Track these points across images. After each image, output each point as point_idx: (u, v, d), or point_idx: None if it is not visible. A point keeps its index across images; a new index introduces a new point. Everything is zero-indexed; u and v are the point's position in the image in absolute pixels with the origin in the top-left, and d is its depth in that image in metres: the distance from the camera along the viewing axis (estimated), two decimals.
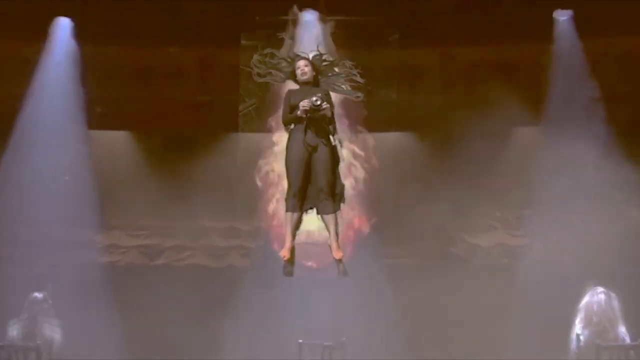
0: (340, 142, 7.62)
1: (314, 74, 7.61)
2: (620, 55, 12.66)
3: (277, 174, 12.49)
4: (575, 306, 10.86)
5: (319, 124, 7.43)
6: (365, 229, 12.89)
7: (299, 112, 7.39)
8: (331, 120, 7.57)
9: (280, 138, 12.00)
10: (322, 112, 7.39)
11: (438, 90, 13.15)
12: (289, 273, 7.49)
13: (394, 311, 12.29)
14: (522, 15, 12.51)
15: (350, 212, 12.53)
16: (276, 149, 12.54)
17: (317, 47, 8.02)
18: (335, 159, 7.54)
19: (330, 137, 7.49)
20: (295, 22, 12.18)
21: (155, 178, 12.96)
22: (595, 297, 10.30)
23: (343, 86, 7.68)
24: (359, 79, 7.64)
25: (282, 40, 8.19)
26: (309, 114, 7.36)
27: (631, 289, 11.17)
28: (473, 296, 12.22)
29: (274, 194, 12.67)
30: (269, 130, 12.79)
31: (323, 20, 12.37)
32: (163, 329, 12.23)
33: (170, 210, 12.89)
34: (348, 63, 7.75)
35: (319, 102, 7.35)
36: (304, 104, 7.35)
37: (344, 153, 8.78)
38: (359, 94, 7.67)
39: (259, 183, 12.84)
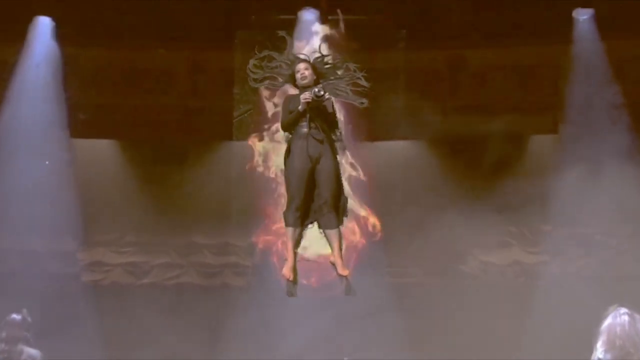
0: (341, 135, 7.62)
1: (315, 77, 7.61)
2: None
3: (275, 184, 12.45)
4: (597, 328, 10.77)
5: (322, 119, 7.43)
6: (369, 245, 12.83)
7: (300, 107, 7.39)
8: (333, 122, 7.56)
9: (280, 145, 11.95)
10: (324, 103, 7.39)
11: (448, 95, 13.12)
12: (291, 293, 7.48)
13: (400, 333, 12.20)
14: (539, 14, 12.44)
15: (352, 227, 12.48)
16: (274, 157, 12.50)
17: (319, 48, 8.01)
18: (339, 170, 7.55)
19: (334, 137, 7.50)
20: (294, 22, 12.18)
21: (142, 190, 12.89)
22: (618, 318, 10.09)
23: (346, 92, 7.68)
24: (363, 82, 7.65)
25: (281, 40, 8.14)
26: (310, 106, 7.37)
27: None
28: (486, 318, 12.10)
29: (272, 207, 12.61)
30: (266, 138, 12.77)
31: (324, 19, 12.35)
32: (150, 353, 12.08)
33: (159, 225, 12.83)
34: (352, 66, 7.75)
35: (321, 93, 7.38)
36: (305, 95, 7.37)
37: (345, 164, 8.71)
38: (364, 100, 7.67)
39: (255, 195, 12.78)
